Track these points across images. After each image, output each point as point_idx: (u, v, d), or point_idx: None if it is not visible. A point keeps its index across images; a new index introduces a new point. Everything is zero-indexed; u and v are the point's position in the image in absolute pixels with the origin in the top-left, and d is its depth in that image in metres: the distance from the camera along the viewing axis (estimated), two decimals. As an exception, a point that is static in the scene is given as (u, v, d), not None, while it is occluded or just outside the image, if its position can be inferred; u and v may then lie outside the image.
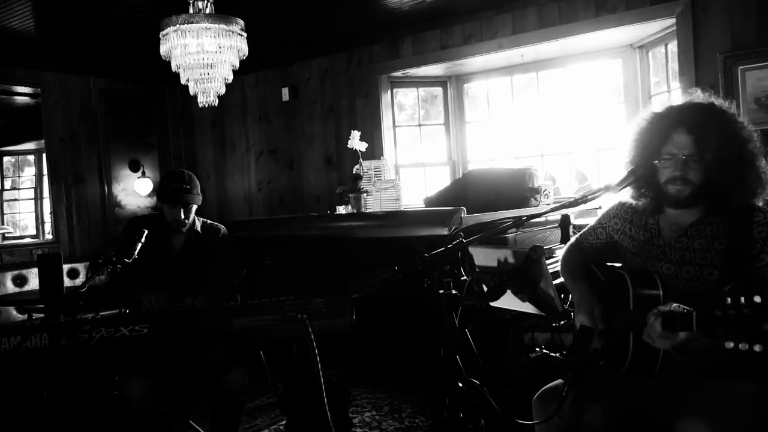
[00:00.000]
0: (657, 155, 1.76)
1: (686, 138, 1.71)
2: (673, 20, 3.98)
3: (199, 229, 3.02)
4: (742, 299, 1.34)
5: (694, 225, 1.77)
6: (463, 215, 2.63)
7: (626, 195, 1.89)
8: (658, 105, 1.88)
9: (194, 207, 2.94)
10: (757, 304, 1.32)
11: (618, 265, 1.99)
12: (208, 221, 3.12)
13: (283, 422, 3.36)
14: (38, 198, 7.95)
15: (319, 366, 2.03)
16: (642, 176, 1.79)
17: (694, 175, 1.71)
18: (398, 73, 5.35)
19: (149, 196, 6.15)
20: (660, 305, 1.65)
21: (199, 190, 2.97)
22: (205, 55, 3.13)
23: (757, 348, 1.30)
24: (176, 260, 2.94)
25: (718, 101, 1.79)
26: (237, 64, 3.29)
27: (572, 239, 2.15)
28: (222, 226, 3.12)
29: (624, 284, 1.74)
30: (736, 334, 1.33)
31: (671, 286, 1.74)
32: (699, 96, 1.81)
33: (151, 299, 2.69)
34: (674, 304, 1.53)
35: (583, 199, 1.76)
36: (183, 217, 2.88)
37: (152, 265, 2.83)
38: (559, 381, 1.88)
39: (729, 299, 1.35)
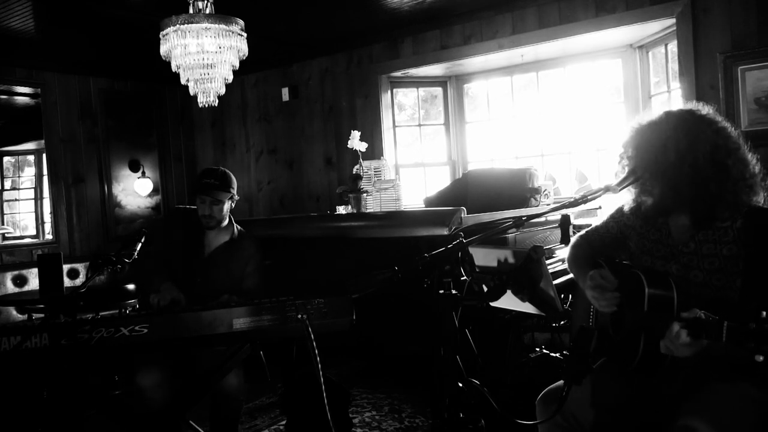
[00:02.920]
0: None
1: (633, 152, 1.77)
2: (673, 20, 3.98)
3: (236, 236, 3.01)
4: None
5: (702, 230, 1.75)
6: (463, 215, 2.62)
7: (626, 202, 1.89)
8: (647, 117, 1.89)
9: (224, 204, 2.92)
10: None
11: (627, 263, 1.98)
12: (244, 231, 3.09)
13: (283, 422, 3.36)
14: (38, 198, 7.95)
15: (319, 366, 2.03)
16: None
17: (651, 189, 1.74)
18: (398, 73, 5.35)
19: (149, 196, 6.15)
20: (674, 308, 1.64)
21: (232, 189, 2.95)
22: (205, 55, 3.13)
23: None
24: (205, 261, 2.94)
25: (676, 109, 1.79)
26: (237, 64, 3.29)
27: (581, 232, 2.14)
28: (256, 240, 3.08)
29: (639, 283, 1.72)
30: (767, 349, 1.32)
31: (680, 289, 1.72)
32: (668, 110, 1.82)
33: (155, 299, 2.70)
34: (698, 311, 1.50)
35: (583, 199, 1.75)
36: (209, 212, 2.88)
37: (181, 261, 2.86)
38: (561, 382, 1.87)
39: (765, 313, 1.34)
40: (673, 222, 1.84)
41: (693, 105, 1.79)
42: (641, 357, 1.68)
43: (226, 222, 2.99)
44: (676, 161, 1.67)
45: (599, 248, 2.05)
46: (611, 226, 2.03)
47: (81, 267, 5.21)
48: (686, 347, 1.51)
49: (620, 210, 2.01)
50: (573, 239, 2.14)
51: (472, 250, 1.75)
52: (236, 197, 3.00)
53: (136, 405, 2.53)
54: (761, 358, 1.32)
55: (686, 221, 1.78)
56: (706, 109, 1.77)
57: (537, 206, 3.63)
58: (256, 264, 3.01)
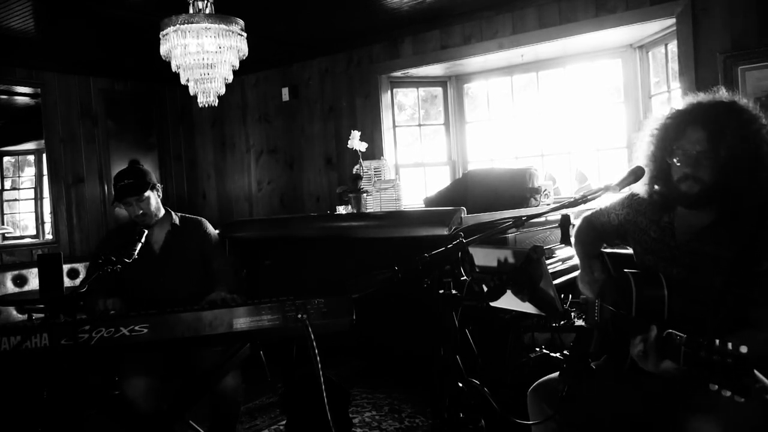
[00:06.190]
0: (670, 151, 1.72)
1: (700, 133, 1.67)
2: (673, 20, 3.98)
3: (177, 222, 2.99)
4: (730, 345, 1.28)
5: (706, 229, 1.73)
6: (463, 215, 2.62)
7: (639, 190, 1.86)
8: (681, 103, 1.84)
9: (150, 197, 2.86)
10: (741, 354, 1.26)
11: (629, 252, 1.98)
12: (187, 215, 3.08)
13: (283, 422, 3.36)
14: (38, 198, 7.95)
15: (319, 366, 2.03)
16: (655, 173, 1.77)
17: (705, 173, 1.66)
18: (398, 73, 5.35)
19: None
20: (664, 311, 1.64)
21: (151, 179, 2.90)
22: (205, 55, 3.13)
23: (737, 399, 1.25)
24: (159, 258, 2.91)
25: (741, 100, 1.74)
26: (237, 64, 3.29)
27: (585, 215, 2.13)
28: (204, 220, 3.08)
29: (629, 287, 1.72)
30: (718, 380, 1.28)
31: (680, 292, 1.70)
32: (722, 95, 1.76)
33: (98, 305, 2.63)
34: (668, 330, 1.48)
35: (583, 199, 1.75)
36: (141, 210, 2.83)
37: (135, 268, 2.63)
38: (554, 374, 1.87)
39: (717, 341, 1.30)
40: (679, 220, 1.81)
41: (738, 97, 1.76)
42: (632, 359, 1.68)
43: (162, 213, 2.96)
44: (762, 144, 1.64)
45: (602, 232, 2.06)
46: (612, 218, 2.02)
47: (81, 267, 5.21)
48: (641, 360, 1.53)
49: (620, 203, 1.99)
50: (578, 222, 2.15)
51: (472, 250, 1.75)
52: (158, 185, 2.94)
53: (126, 412, 2.52)
54: (716, 387, 1.28)
55: (700, 216, 1.73)
56: (749, 103, 1.75)
57: (537, 206, 3.63)
58: (213, 243, 3.00)
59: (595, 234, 2.06)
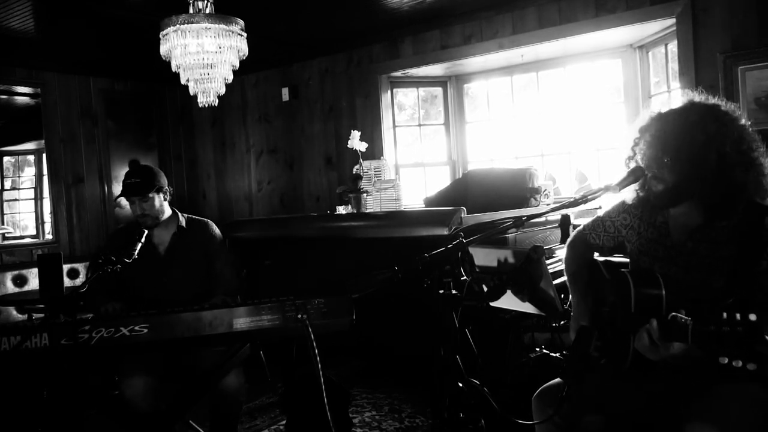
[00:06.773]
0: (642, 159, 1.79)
1: (651, 137, 1.76)
2: (673, 20, 3.98)
3: (183, 224, 2.99)
4: (738, 316, 1.29)
5: (700, 228, 1.74)
6: (463, 215, 2.62)
7: (627, 196, 1.89)
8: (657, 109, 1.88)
9: (154, 198, 2.86)
10: (751, 322, 1.28)
11: (625, 260, 1.98)
12: (194, 217, 3.08)
13: (283, 422, 3.36)
14: (38, 198, 7.95)
15: (319, 366, 2.03)
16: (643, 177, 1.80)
17: (665, 173, 1.72)
18: (398, 73, 5.35)
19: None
20: (663, 309, 1.64)
21: (158, 182, 2.90)
22: (205, 55, 3.13)
23: (750, 367, 1.26)
24: (163, 259, 2.91)
25: (700, 100, 1.79)
26: (237, 64, 3.29)
27: (579, 228, 2.13)
28: (210, 222, 3.08)
29: (626, 285, 1.73)
30: (728, 351, 1.29)
31: (677, 291, 1.70)
32: (684, 98, 1.81)
33: (103, 308, 2.65)
34: (673, 313, 1.50)
35: (583, 199, 1.75)
36: (141, 211, 2.83)
37: (139, 269, 2.66)
38: (559, 379, 1.87)
39: (725, 314, 1.31)
40: (673, 220, 1.82)
41: (717, 100, 1.79)
42: (633, 354, 1.68)
43: (168, 214, 2.96)
44: (704, 144, 1.66)
45: (597, 248, 2.06)
46: (608, 226, 2.02)
47: (81, 267, 5.21)
48: (652, 352, 1.53)
49: (616, 209, 2.00)
50: (570, 238, 2.14)
51: (472, 250, 1.75)
52: (167, 188, 2.94)
53: (125, 412, 2.52)
54: (726, 360, 1.29)
55: (692, 216, 1.75)
56: (730, 105, 1.78)
57: (537, 206, 3.63)
58: (217, 245, 2.99)
59: (588, 253, 2.06)
